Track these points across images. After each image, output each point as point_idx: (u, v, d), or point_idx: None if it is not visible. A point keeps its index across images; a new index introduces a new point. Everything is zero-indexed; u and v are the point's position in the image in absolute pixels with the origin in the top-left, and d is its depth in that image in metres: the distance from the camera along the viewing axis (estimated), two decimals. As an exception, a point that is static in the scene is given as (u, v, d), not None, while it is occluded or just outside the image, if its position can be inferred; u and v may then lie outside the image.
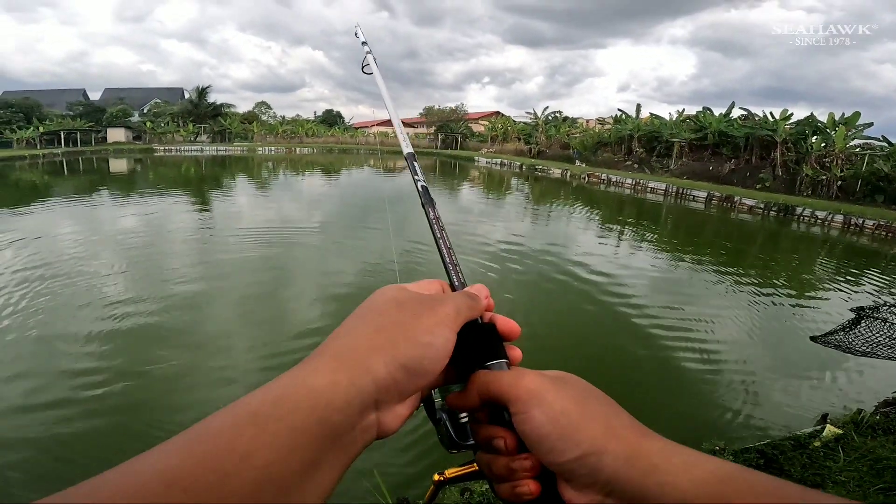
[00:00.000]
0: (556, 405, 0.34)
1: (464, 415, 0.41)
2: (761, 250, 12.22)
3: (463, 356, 0.39)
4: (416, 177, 0.54)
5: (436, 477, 0.43)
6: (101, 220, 11.89)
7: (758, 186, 21.88)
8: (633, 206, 19.36)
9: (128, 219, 11.75)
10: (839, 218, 15.91)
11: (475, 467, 0.40)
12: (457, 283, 0.45)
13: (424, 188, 0.52)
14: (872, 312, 3.82)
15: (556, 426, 0.33)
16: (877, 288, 8.65)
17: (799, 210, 17.19)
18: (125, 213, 12.53)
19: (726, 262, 9.98)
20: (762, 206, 18.36)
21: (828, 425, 3.38)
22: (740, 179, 23.43)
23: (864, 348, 3.56)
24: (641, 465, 0.30)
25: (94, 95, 54.42)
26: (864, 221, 15.28)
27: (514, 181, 26.63)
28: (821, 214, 16.49)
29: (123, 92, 53.26)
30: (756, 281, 8.60)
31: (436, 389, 0.43)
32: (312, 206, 15.39)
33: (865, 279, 9.29)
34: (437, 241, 0.48)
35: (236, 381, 4.38)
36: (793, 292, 8.06)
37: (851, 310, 4.20)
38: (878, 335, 3.52)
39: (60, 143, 35.09)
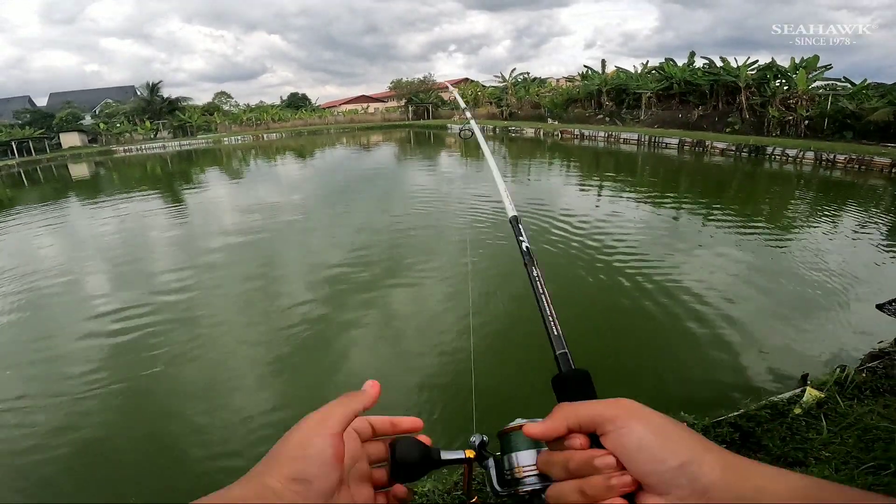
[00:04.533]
0: (654, 419, 0.37)
1: (528, 466, 0.44)
2: (739, 191, 12.63)
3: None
4: (520, 238, 0.60)
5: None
6: (74, 228, 11.56)
7: (727, 130, 22.31)
8: (609, 158, 19.62)
9: (101, 225, 11.42)
10: (810, 155, 16.33)
11: None
12: (556, 333, 0.51)
13: (528, 248, 0.58)
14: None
15: (658, 436, 0.36)
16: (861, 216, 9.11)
17: (769, 149, 17.65)
18: (97, 219, 12.17)
19: (706, 205, 10.33)
20: (733, 148, 18.80)
21: (808, 388, 3.05)
22: (710, 125, 23.83)
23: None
24: (739, 472, 0.33)
25: (41, 102, 51.33)
26: (835, 156, 15.63)
27: (489, 144, 26.50)
28: (791, 152, 16.95)
29: (71, 95, 50.23)
30: (734, 220, 8.96)
31: (483, 436, 0.49)
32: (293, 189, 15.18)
33: (848, 210, 9.73)
34: (536, 295, 0.54)
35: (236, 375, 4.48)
36: (774, 231, 8.28)
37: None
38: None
39: (13, 154, 33.31)
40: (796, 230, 8.25)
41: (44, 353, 4.92)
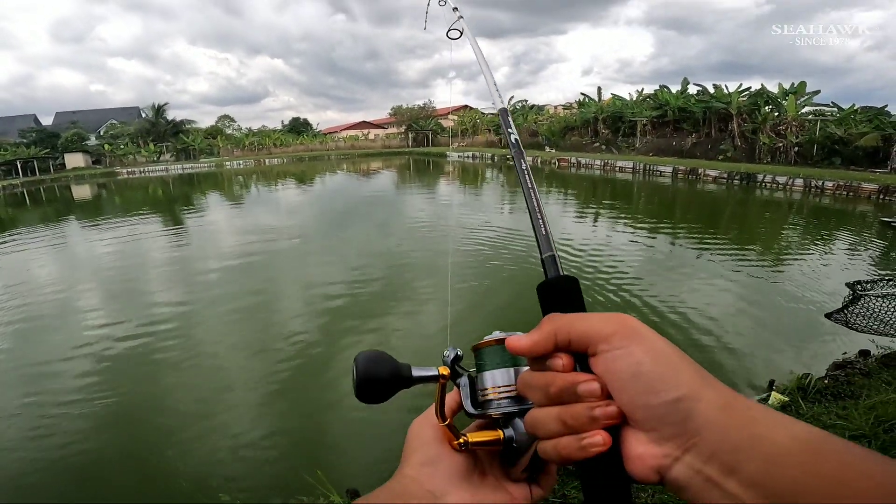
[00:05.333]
0: (656, 343, 0.32)
1: (504, 387, 0.42)
2: (731, 219, 12.89)
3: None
4: (508, 129, 0.55)
5: (460, 440, 0.42)
6: (74, 251, 11.70)
7: (720, 157, 22.83)
8: (605, 186, 20.00)
9: (100, 248, 11.57)
10: (799, 182, 16.66)
11: (500, 435, 0.42)
12: (543, 233, 0.44)
13: (516, 140, 0.53)
14: (869, 288, 3.64)
15: (657, 364, 0.31)
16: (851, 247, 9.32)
17: (760, 177, 18.04)
18: (95, 244, 12.32)
19: (694, 232, 10.56)
20: (725, 175, 19.20)
21: (773, 393, 3.22)
22: (703, 152, 24.39)
23: (864, 325, 3.45)
24: (738, 416, 0.29)
25: (46, 120, 52.13)
26: (823, 183, 15.92)
27: (488, 173, 27.06)
28: (781, 179, 17.30)
29: (76, 115, 50.96)
30: (723, 248, 9.15)
31: (457, 349, 0.46)
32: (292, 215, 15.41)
33: (835, 235, 9.96)
34: (524, 191, 0.48)
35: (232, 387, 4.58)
36: (762, 258, 8.48)
37: (847, 284, 3.97)
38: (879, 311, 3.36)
39: (18, 174, 33.74)
40: (782, 255, 8.44)
41: (36, 369, 5.01)
